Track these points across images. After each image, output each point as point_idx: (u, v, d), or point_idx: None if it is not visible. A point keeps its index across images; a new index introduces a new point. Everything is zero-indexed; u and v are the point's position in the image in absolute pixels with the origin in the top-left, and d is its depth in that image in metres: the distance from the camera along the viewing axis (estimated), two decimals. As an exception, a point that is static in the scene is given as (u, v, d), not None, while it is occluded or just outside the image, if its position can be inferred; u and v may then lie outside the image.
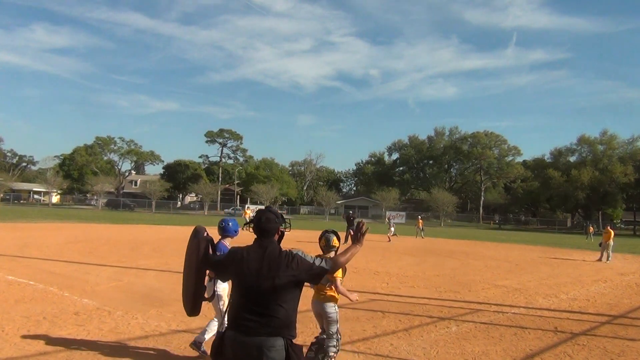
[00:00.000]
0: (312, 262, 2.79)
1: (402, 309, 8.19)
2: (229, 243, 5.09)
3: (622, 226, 76.98)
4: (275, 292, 2.65)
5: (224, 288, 5.02)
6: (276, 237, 2.91)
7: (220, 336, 2.74)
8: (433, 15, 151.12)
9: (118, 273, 10.92)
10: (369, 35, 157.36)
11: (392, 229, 28.33)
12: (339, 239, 4.95)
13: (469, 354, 5.74)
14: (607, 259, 19.19)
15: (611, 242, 19.48)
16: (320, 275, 2.82)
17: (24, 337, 5.69)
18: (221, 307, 4.99)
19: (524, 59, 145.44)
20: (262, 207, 3.26)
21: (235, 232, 5.24)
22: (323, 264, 2.80)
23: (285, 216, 3.17)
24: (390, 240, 26.56)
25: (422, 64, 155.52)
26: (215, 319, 5.20)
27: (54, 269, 11.12)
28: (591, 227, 43.13)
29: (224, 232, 5.15)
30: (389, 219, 32.11)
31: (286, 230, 3.08)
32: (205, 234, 3.11)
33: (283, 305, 2.67)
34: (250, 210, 22.87)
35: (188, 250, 3.16)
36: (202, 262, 3.01)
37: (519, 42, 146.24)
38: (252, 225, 2.94)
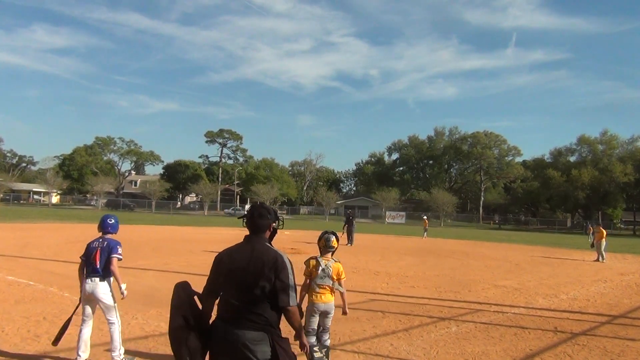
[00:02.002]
0: (289, 284, 2.71)
1: (402, 309, 8.18)
2: (110, 237, 5.07)
3: (622, 226, 76.97)
4: (260, 290, 2.67)
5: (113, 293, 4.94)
6: (268, 233, 2.91)
7: (211, 328, 2.79)
8: (433, 15, 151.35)
9: (118, 273, 10.91)
10: (369, 36, 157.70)
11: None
12: (337, 240, 5.01)
13: (469, 354, 5.74)
14: (601, 258, 19.23)
15: (604, 241, 19.52)
16: (283, 301, 2.69)
17: (24, 337, 5.69)
18: (117, 309, 4.92)
19: (523, 59, 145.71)
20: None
21: (116, 229, 5.18)
22: (293, 298, 2.72)
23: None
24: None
25: (422, 64, 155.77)
26: (112, 320, 4.90)
27: (54, 269, 11.12)
28: (591, 227, 43.17)
29: (106, 228, 5.09)
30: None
31: (278, 227, 3.07)
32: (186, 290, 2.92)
33: (268, 303, 2.69)
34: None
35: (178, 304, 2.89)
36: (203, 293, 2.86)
37: (519, 43, 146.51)
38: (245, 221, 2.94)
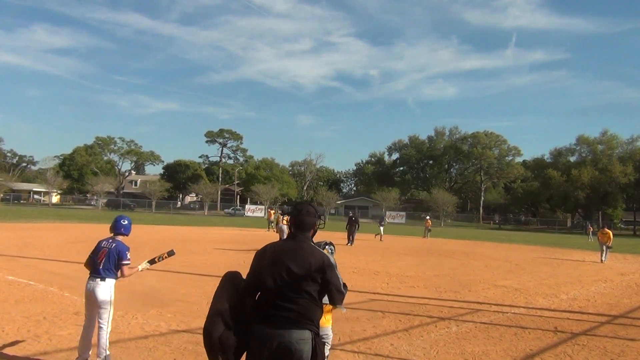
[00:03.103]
0: (340, 283, 2.73)
1: (402, 309, 8.18)
2: (121, 238, 5.05)
3: (623, 226, 77.02)
4: (305, 289, 2.63)
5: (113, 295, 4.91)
6: (311, 232, 2.87)
7: (250, 330, 2.69)
8: (433, 15, 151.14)
9: (118, 273, 10.92)
10: (369, 36, 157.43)
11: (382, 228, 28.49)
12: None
13: (469, 354, 5.74)
14: (604, 258, 19.05)
15: (610, 243, 19.30)
16: (339, 300, 2.74)
17: (24, 337, 5.69)
18: (111, 310, 4.90)
19: (523, 60, 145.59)
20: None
21: (129, 231, 5.15)
22: (344, 296, 2.73)
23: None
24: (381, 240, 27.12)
25: (422, 64, 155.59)
26: (102, 324, 4.85)
27: (54, 269, 11.12)
28: (590, 227, 43.21)
29: (119, 229, 5.04)
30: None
31: (319, 227, 3.02)
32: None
33: (311, 302, 2.65)
34: (274, 212, 22.97)
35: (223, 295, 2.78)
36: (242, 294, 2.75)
37: (519, 43, 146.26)
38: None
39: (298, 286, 2.62)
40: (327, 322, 4.07)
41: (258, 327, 2.63)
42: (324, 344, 2.71)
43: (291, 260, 2.67)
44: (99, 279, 4.81)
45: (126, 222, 5.10)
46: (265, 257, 2.74)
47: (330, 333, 4.09)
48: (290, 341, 2.55)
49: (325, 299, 3.50)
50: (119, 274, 4.92)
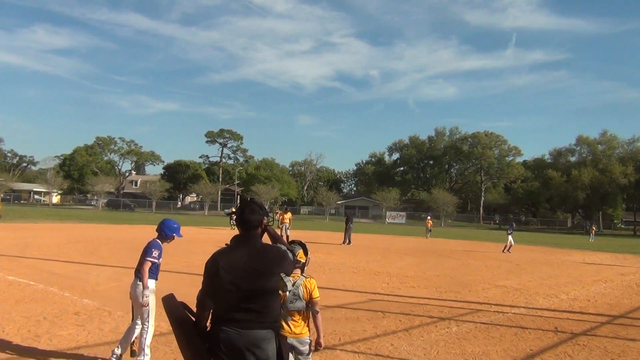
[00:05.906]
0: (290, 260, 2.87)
1: (403, 309, 8.18)
2: (161, 240, 5.08)
3: (623, 226, 77.06)
4: (267, 287, 2.64)
5: (152, 290, 4.90)
6: (259, 230, 2.82)
7: (213, 333, 2.67)
8: (433, 16, 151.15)
9: (118, 273, 10.90)
10: (369, 36, 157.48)
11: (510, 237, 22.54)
12: (306, 252, 3.78)
13: (470, 354, 5.74)
14: None
15: None
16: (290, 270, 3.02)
17: (25, 337, 5.69)
18: (150, 310, 4.85)
19: (523, 60, 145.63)
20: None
21: (168, 234, 5.11)
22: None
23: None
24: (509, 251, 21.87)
25: (422, 64, 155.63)
26: (139, 323, 4.91)
27: (54, 269, 11.12)
28: (593, 228, 43.29)
29: (159, 230, 5.11)
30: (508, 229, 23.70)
31: (269, 224, 2.99)
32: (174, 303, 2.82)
33: (273, 299, 2.67)
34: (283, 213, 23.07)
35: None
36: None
37: (519, 43, 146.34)
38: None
39: (263, 287, 2.62)
40: (304, 332, 3.55)
41: (225, 330, 2.59)
42: (285, 340, 2.74)
43: (249, 262, 2.63)
44: (138, 280, 4.91)
45: (168, 225, 5.10)
46: (220, 267, 2.64)
47: (308, 342, 3.57)
48: (256, 343, 2.56)
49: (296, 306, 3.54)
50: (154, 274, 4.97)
